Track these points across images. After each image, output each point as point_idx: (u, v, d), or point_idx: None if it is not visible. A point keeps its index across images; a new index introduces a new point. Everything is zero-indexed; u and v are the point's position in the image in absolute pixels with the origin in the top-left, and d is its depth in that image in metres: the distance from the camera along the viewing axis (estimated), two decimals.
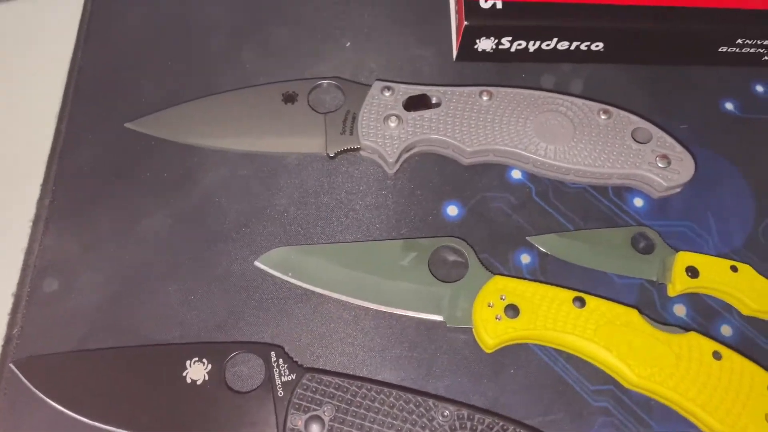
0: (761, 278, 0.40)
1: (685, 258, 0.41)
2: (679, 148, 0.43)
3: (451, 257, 0.42)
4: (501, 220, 0.44)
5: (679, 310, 0.41)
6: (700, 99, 0.49)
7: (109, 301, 0.41)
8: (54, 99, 0.47)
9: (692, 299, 0.41)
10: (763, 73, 0.50)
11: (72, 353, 0.38)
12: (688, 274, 0.40)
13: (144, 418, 0.36)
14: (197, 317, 0.40)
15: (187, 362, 0.37)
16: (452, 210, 0.44)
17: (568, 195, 0.45)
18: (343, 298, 0.41)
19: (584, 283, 0.42)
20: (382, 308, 0.41)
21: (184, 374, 0.37)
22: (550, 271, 0.42)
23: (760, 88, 0.49)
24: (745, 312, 0.41)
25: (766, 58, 0.49)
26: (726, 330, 0.41)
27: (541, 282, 0.40)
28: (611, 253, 0.42)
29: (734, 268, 0.41)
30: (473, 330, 0.40)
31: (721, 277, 0.40)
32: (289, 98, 0.46)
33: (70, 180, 0.44)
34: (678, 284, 0.40)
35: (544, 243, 0.42)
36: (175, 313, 0.40)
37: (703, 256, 0.41)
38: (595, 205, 0.44)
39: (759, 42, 0.47)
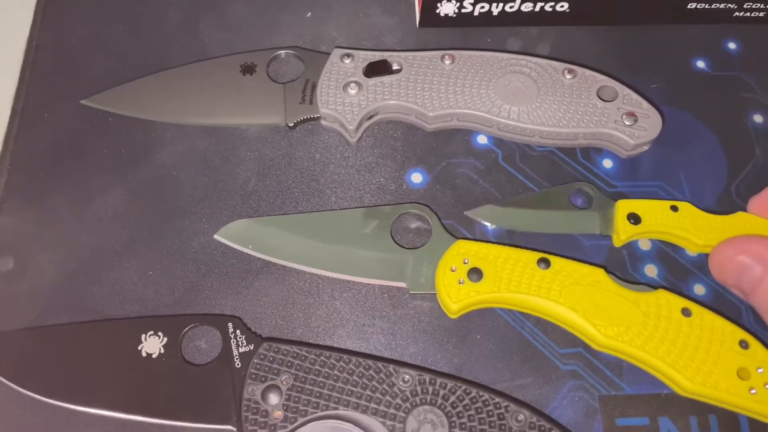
0: (702, 214, 0.40)
1: (625, 206, 0.40)
2: (645, 104, 0.42)
3: (414, 224, 0.41)
4: (467, 186, 0.43)
5: (650, 270, 0.40)
6: (671, 58, 0.48)
7: (65, 279, 0.40)
8: (11, 79, 0.46)
9: (664, 259, 0.40)
10: (735, 30, 0.48)
11: (24, 330, 0.38)
12: (630, 221, 0.39)
13: (99, 393, 0.35)
14: (155, 293, 0.40)
15: (142, 336, 0.37)
16: (417, 177, 0.43)
17: (535, 158, 0.44)
18: (304, 268, 0.40)
19: (552, 245, 0.40)
20: (344, 277, 0.40)
21: (139, 348, 0.36)
22: (516, 236, 0.41)
23: (732, 45, 0.48)
24: (692, 250, 0.40)
25: (737, 14, 0.48)
26: (699, 289, 0.40)
27: (505, 245, 0.39)
28: (552, 214, 0.41)
29: (674, 208, 0.40)
30: (437, 296, 0.39)
31: (662, 219, 0.39)
32: (248, 69, 0.45)
33: (26, 159, 0.43)
34: (622, 233, 0.39)
35: (482, 215, 0.41)
36: (133, 289, 0.40)
37: (642, 201, 0.40)
38: (563, 168, 0.43)
39: None
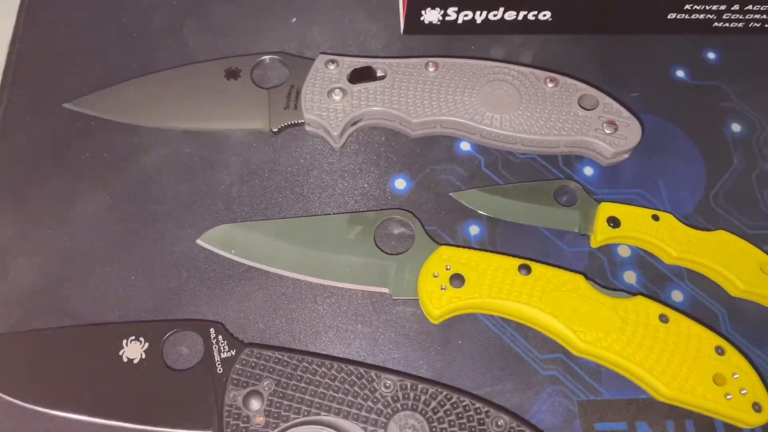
0: (682, 226, 0.40)
1: (607, 208, 0.41)
2: (625, 113, 0.43)
3: (398, 230, 0.41)
4: (450, 192, 0.43)
5: (630, 277, 0.41)
6: (651, 67, 0.48)
7: (46, 284, 0.40)
8: None
9: (643, 265, 0.41)
10: (714, 40, 0.49)
11: (4, 335, 0.37)
12: (609, 225, 0.40)
13: (80, 398, 0.35)
14: (137, 298, 0.39)
15: (124, 341, 0.36)
16: (400, 183, 0.44)
17: (517, 165, 0.44)
18: (287, 273, 0.40)
19: (533, 252, 0.41)
20: (327, 282, 0.40)
21: (120, 353, 0.36)
22: (499, 242, 0.42)
23: (711, 55, 0.49)
24: (667, 261, 0.40)
25: (716, 24, 0.48)
26: (677, 295, 0.40)
27: (488, 251, 0.40)
28: (535, 207, 0.42)
29: (656, 217, 0.40)
30: (419, 301, 0.39)
31: (641, 226, 0.40)
32: (232, 74, 0.45)
33: (8, 163, 0.43)
34: (599, 234, 0.40)
35: (467, 198, 0.42)
36: (115, 294, 0.39)
37: (625, 206, 0.41)
38: (544, 175, 0.44)
39: (707, 7, 0.47)
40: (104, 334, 0.37)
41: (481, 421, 0.34)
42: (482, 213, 0.42)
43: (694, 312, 0.40)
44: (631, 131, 0.42)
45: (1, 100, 0.45)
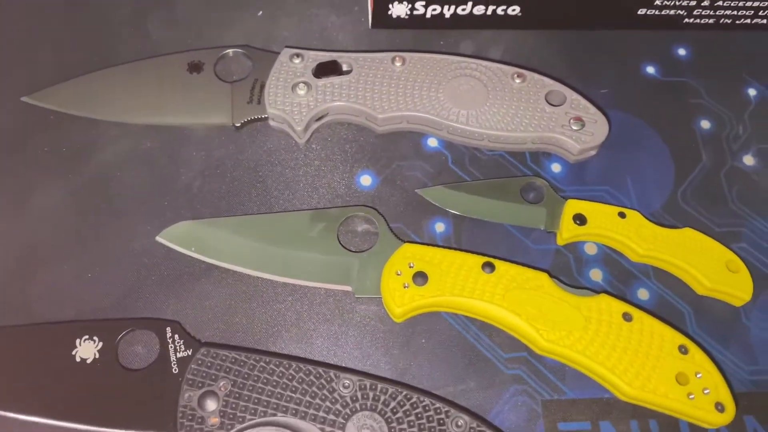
0: (649, 224, 0.40)
1: (573, 205, 0.40)
2: (593, 109, 0.42)
3: (362, 227, 0.41)
4: (416, 189, 0.43)
5: (596, 275, 0.40)
6: (621, 63, 0.48)
7: None
8: None
9: (609, 263, 0.41)
10: (684, 36, 0.49)
11: None
12: (575, 222, 0.40)
13: (30, 399, 0.34)
14: (94, 295, 0.38)
15: (77, 340, 0.36)
16: (366, 180, 0.43)
17: (484, 162, 0.44)
18: (248, 271, 0.39)
19: (499, 250, 0.40)
20: (288, 280, 0.39)
21: (73, 353, 0.35)
22: (464, 239, 0.41)
23: (681, 51, 0.48)
24: (633, 258, 0.40)
25: (687, 20, 0.48)
26: (643, 293, 0.40)
27: (452, 249, 0.39)
28: (501, 204, 0.41)
29: (622, 215, 0.40)
30: (382, 300, 0.38)
31: (608, 224, 0.40)
32: (195, 68, 0.44)
33: None
34: (565, 231, 0.40)
35: (433, 195, 0.42)
36: (70, 291, 0.39)
37: (591, 204, 0.40)
38: (512, 171, 0.43)
39: (677, 3, 0.46)
40: (57, 333, 0.36)
41: (441, 422, 0.34)
42: (448, 209, 0.41)
43: (660, 310, 0.39)
44: (598, 128, 0.42)
45: None
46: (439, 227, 0.41)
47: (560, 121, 0.42)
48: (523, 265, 0.38)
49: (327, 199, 0.42)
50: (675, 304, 0.40)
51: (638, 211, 0.41)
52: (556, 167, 0.44)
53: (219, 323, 0.38)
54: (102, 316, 0.38)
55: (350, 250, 0.39)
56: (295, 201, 0.42)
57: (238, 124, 0.43)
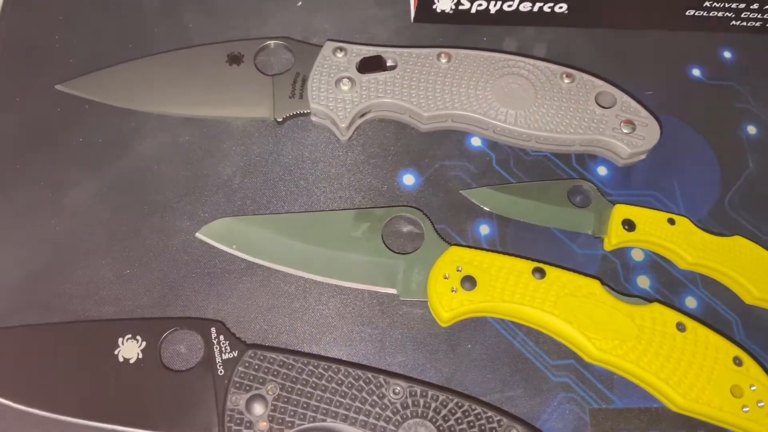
0: (698, 231, 0.39)
1: (621, 211, 0.40)
2: (644, 113, 0.41)
3: (406, 228, 0.40)
4: (460, 189, 0.42)
5: (643, 282, 0.40)
6: (667, 65, 0.47)
7: (34, 277, 0.37)
8: None
9: (656, 270, 0.40)
10: (731, 39, 0.48)
11: None
12: (624, 227, 0.39)
13: (71, 400, 0.33)
14: (133, 293, 0.38)
15: (119, 339, 0.35)
16: (409, 179, 0.42)
17: (529, 163, 0.43)
18: (291, 271, 0.38)
19: (545, 254, 0.40)
20: (332, 281, 0.38)
21: (115, 352, 0.34)
22: (510, 242, 0.40)
23: (727, 54, 0.48)
24: (681, 266, 0.39)
25: (734, 22, 0.47)
26: (691, 302, 0.39)
27: (500, 253, 0.38)
28: (548, 207, 0.40)
29: (671, 221, 0.39)
30: (428, 303, 0.37)
31: (657, 230, 0.39)
32: (235, 59, 0.43)
33: None
34: (614, 237, 0.39)
35: (478, 196, 0.41)
36: (109, 288, 0.38)
37: (640, 209, 0.40)
38: (557, 173, 0.43)
39: (727, 5, 0.46)
40: (99, 332, 0.35)
41: (493, 431, 0.33)
42: (493, 212, 0.41)
43: (708, 319, 0.39)
44: (649, 131, 0.41)
45: None
46: (484, 229, 0.41)
47: (611, 124, 0.41)
48: (570, 270, 0.38)
49: (369, 198, 0.41)
50: (723, 313, 0.39)
51: (687, 217, 0.40)
52: (602, 170, 0.43)
53: (261, 323, 0.37)
54: (141, 314, 0.37)
55: (395, 252, 0.39)
56: (337, 199, 0.41)
57: (280, 119, 0.42)
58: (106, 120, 0.42)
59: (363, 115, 0.42)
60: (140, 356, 0.34)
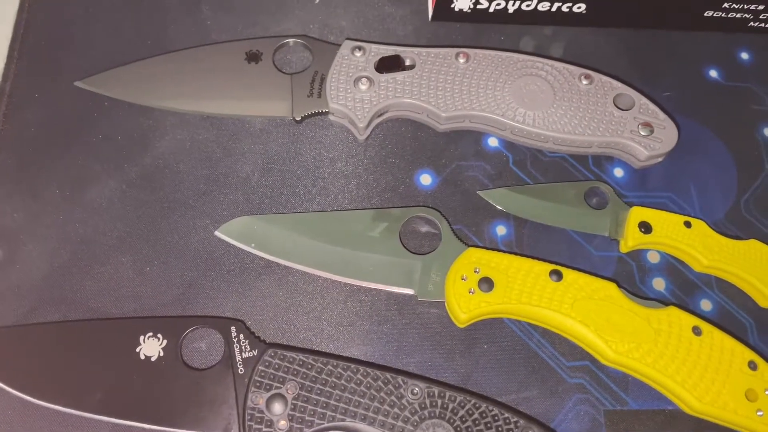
0: (715, 234, 0.39)
1: (638, 213, 0.40)
2: (662, 115, 0.41)
3: (424, 228, 0.40)
4: (477, 189, 0.42)
5: (659, 284, 0.40)
6: (684, 66, 0.47)
7: (57, 273, 0.38)
8: None
9: (672, 273, 0.40)
10: (749, 40, 0.48)
11: (15, 327, 0.36)
12: (641, 230, 0.39)
13: (93, 396, 0.34)
14: (153, 290, 0.38)
15: (141, 337, 0.35)
16: (426, 179, 0.42)
17: (546, 164, 0.43)
18: (309, 270, 0.39)
19: (561, 256, 0.40)
20: (350, 281, 0.38)
21: (137, 350, 0.35)
22: (526, 244, 0.40)
23: (745, 56, 0.47)
24: (697, 269, 0.40)
25: (752, 24, 0.47)
26: (706, 304, 0.40)
27: (517, 254, 0.39)
28: (564, 208, 0.40)
29: (688, 224, 0.39)
30: (446, 304, 0.38)
31: (674, 233, 0.39)
32: (253, 57, 0.43)
33: (15, 143, 0.41)
34: (630, 239, 0.39)
35: (495, 197, 0.41)
36: (129, 285, 0.38)
37: (657, 212, 0.40)
38: (574, 175, 0.43)
39: (745, 6, 0.45)
40: (121, 329, 0.36)
41: None
42: (510, 212, 0.41)
43: (722, 322, 0.39)
44: (667, 134, 0.41)
45: (8, 74, 0.43)
46: (501, 230, 0.41)
47: (629, 126, 0.41)
48: (587, 272, 0.38)
49: (386, 198, 0.41)
50: (737, 316, 0.39)
51: (703, 220, 0.40)
52: (618, 172, 0.43)
53: (279, 322, 0.38)
54: (161, 312, 0.37)
55: (412, 252, 0.39)
56: (354, 198, 0.41)
57: (299, 118, 0.42)
58: (125, 117, 0.42)
59: (381, 114, 0.42)
60: (161, 354, 0.35)
